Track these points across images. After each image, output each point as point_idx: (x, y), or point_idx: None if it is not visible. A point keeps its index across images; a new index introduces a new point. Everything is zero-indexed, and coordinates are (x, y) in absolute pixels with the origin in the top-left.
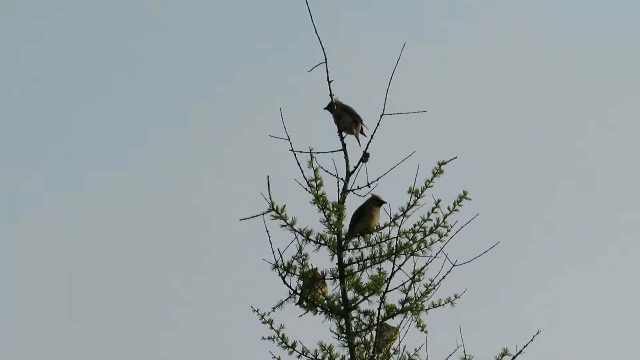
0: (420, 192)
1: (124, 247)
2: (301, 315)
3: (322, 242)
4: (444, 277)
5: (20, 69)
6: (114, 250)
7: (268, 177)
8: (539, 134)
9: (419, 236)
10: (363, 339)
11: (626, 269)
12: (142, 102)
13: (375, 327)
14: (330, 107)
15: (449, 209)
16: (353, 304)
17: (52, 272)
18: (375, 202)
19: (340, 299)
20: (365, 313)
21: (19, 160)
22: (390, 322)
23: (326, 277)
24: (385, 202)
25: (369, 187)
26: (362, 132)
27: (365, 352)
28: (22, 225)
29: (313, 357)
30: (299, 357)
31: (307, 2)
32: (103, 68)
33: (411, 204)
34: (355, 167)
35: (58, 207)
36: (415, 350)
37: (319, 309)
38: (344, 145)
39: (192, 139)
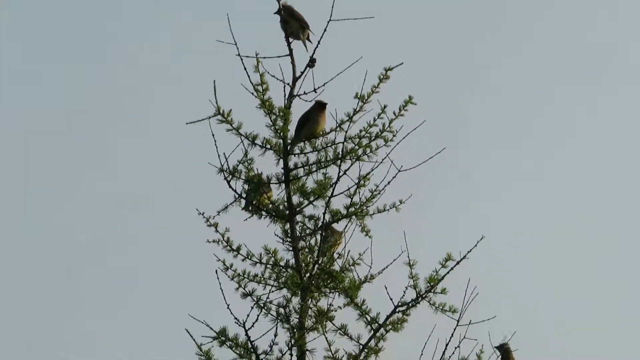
0: (366, 98)
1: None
2: (246, 219)
3: (268, 146)
4: (389, 183)
5: None
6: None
7: (214, 82)
8: (486, 41)
9: (364, 141)
10: (307, 243)
11: (571, 178)
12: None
13: (320, 231)
14: (279, 12)
15: (394, 114)
16: (298, 209)
17: None
18: (320, 107)
19: (285, 204)
20: (310, 217)
21: None
22: (335, 226)
23: (271, 182)
24: (327, 103)
25: (315, 92)
26: (308, 39)
27: (310, 256)
28: None
29: (257, 261)
30: (243, 260)
31: None
32: None
33: (357, 109)
34: (302, 73)
35: None
36: (360, 254)
37: (264, 213)
38: (290, 50)
39: (138, 44)
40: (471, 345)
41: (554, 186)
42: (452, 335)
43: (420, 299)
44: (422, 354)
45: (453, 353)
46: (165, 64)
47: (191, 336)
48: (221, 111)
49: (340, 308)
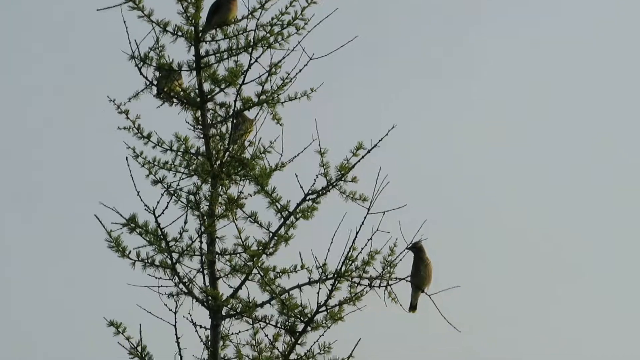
0: None
1: None
2: (158, 107)
3: (179, 33)
4: (300, 71)
5: None
6: None
7: None
8: None
9: (276, 29)
10: (218, 131)
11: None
12: None
13: (231, 119)
14: None
15: (307, 1)
16: (209, 96)
17: None
18: None
19: (197, 91)
20: (222, 105)
21: None
22: (247, 114)
23: (182, 69)
24: None
25: None
26: None
27: (220, 143)
28: None
29: (168, 148)
30: (154, 147)
31: None
32: None
33: None
34: None
35: None
36: (271, 142)
37: (175, 100)
38: None
39: None
40: (384, 237)
41: (464, 74)
42: (363, 223)
43: (330, 187)
44: (332, 242)
45: (365, 245)
46: None
47: (101, 222)
48: None
49: (251, 196)
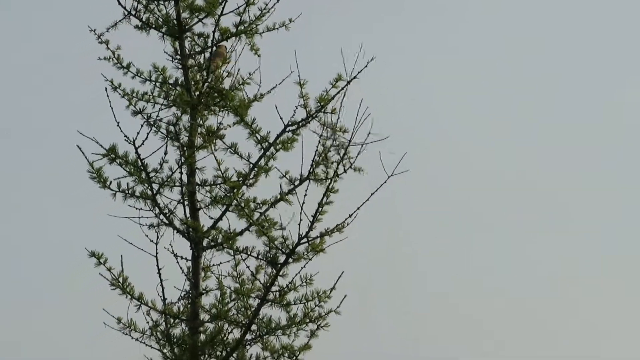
0: None
1: None
2: (137, 27)
3: None
4: (278, 1)
5: None
6: None
7: None
8: None
9: None
10: (197, 62)
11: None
12: None
13: (209, 49)
14: None
15: None
16: (187, 26)
17: None
18: None
19: (175, 21)
20: (200, 35)
21: None
22: (224, 44)
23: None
24: None
25: None
26: None
27: (199, 74)
28: None
29: (147, 78)
30: (132, 77)
31: None
32: None
33: None
34: None
35: None
36: (250, 74)
37: (153, 30)
38: None
39: None
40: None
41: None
42: (344, 155)
43: (310, 118)
44: (310, 173)
45: (345, 171)
46: None
47: (82, 152)
48: None
49: (230, 127)
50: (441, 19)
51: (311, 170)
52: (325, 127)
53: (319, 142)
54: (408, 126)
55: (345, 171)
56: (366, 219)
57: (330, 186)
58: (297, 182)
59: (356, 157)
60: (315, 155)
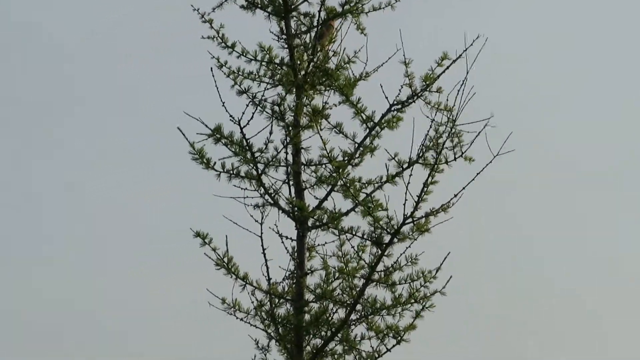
0: None
1: None
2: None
3: None
4: None
5: None
6: None
7: None
8: None
9: None
10: (302, 41)
11: None
12: None
13: (315, 29)
14: None
15: None
16: (293, 6)
17: None
18: None
19: (281, 1)
20: (305, 15)
21: None
22: (332, 22)
23: None
24: None
25: None
26: None
27: (305, 53)
28: None
29: (252, 58)
30: (238, 57)
31: None
32: None
33: None
34: None
35: None
36: (355, 52)
37: (258, 10)
38: None
39: None
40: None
41: None
42: (450, 133)
43: (415, 97)
44: (419, 157)
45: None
46: None
47: (183, 134)
48: None
49: (335, 106)
50: None
51: (420, 154)
52: (434, 109)
53: (431, 126)
54: (512, 106)
55: (455, 159)
56: (471, 198)
57: (436, 166)
58: (405, 166)
59: (469, 146)
60: (425, 139)
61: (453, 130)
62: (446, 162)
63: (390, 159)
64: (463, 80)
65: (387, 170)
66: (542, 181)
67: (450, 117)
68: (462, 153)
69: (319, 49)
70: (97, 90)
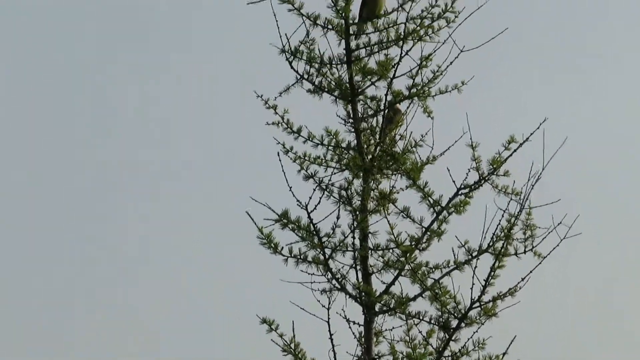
0: None
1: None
2: (309, 91)
3: (330, 27)
4: (451, 63)
5: None
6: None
7: None
8: None
9: (426, 22)
10: (369, 125)
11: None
12: None
13: (383, 112)
14: None
15: None
16: (360, 90)
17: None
18: None
19: (347, 85)
20: (372, 99)
21: None
22: (397, 105)
23: (333, 63)
24: None
25: None
26: None
27: (372, 137)
28: None
29: (319, 142)
30: (304, 142)
31: None
32: None
33: None
34: None
35: None
36: (422, 136)
37: (325, 93)
38: None
39: None
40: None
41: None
42: (516, 217)
43: (482, 181)
44: (483, 237)
45: (515, 235)
46: None
47: (252, 218)
48: None
49: (403, 190)
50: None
51: (491, 243)
52: (502, 193)
53: (503, 215)
54: (579, 188)
55: (525, 252)
56: (537, 281)
57: (505, 255)
58: (474, 254)
59: (540, 240)
60: (497, 229)
61: (527, 221)
62: (516, 254)
63: (460, 247)
64: (531, 166)
65: (455, 257)
66: (608, 263)
67: (520, 202)
68: (533, 247)
69: (386, 133)
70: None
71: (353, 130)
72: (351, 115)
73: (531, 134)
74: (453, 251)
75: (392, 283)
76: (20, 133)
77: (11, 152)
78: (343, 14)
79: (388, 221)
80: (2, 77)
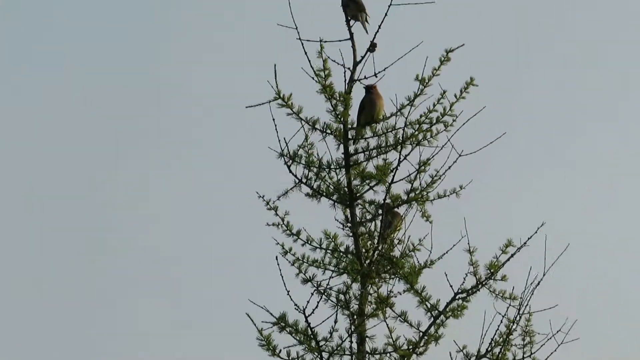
0: (427, 81)
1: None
2: (308, 195)
3: (328, 131)
4: (449, 168)
5: None
6: (106, 140)
7: (275, 65)
8: (548, 22)
9: (425, 126)
10: (368, 229)
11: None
12: None
13: (381, 216)
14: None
15: (455, 96)
16: (358, 194)
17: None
18: (369, 90)
19: (346, 189)
20: (370, 203)
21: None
22: (396, 210)
23: (331, 167)
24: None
25: (376, 77)
26: (367, 20)
27: (370, 242)
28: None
29: (317, 246)
30: (303, 245)
31: None
32: None
33: (418, 92)
34: (363, 57)
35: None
36: (420, 240)
37: (323, 197)
38: (351, 34)
39: (194, 26)
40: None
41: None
42: (515, 323)
43: (480, 286)
44: (482, 342)
45: (514, 341)
46: (224, 47)
47: (252, 320)
48: (281, 95)
49: (400, 294)
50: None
51: (489, 349)
52: (499, 297)
53: (502, 321)
54: (578, 293)
55: (523, 358)
56: None
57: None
58: (472, 359)
59: (539, 347)
60: (495, 334)
61: (527, 327)
62: None
63: (458, 351)
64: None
65: None
66: None
67: (519, 308)
68: (532, 354)
69: (385, 237)
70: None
71: (351, 234)
72: (349, 220)
73: (529, 238)
74: (451, 356)
75: None
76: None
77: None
78: (342, 119)
79: (387, 325)
80: None
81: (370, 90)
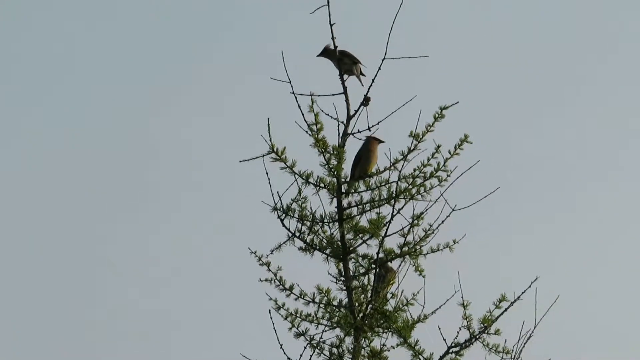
0: (421, 136)
1: (124, 188)
2: (301, 249)
3: (322, 185)
4: (442, 222)
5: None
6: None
7: (268, 119)
8: (540, 80)
9: (418, 181)
10: (361, 283)
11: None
12: (142, 44)
13: (374, 270)
14: (324, 53)
15: (449, 152)
16: (351, 248)
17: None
18: (371, 142)
19: (339, 243)
20: (364, 257)
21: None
22: (389, 264)
23: (325, 221)
24: (379, 140)
25: (370, 131)
26: (361, 73)
27: (363, 295)
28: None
29: (310, 300)
30: (296, 299)
31: None
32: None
33: (412, 148)
34: (356, 111)
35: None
36: (413, 294)
37: (317, 251)
38: (345, 88)
39: (191, 81)
40: None
41: (612, 225)
42: None
43: (473, 339)
44: None
45: None
46: (218, 101)
47: None
48: (275, 149)
49: (394, 348)
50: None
51: None
52: (493, 351)
53: None
54: (573, 344)
55: None
56: None
57: None
58: None
59: None
60: None
61: None
62: None
63: None
64: (522, 325)
65: None
66: None
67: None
68: None
69: (378, 291)
70: (159, 334)
71: (345, 288)
72: (343, 273)
73: (522, 292)
74: None
75: None
76: None
77: None
78: (335, 173)
79: None
80: None
81: (376, 141)
